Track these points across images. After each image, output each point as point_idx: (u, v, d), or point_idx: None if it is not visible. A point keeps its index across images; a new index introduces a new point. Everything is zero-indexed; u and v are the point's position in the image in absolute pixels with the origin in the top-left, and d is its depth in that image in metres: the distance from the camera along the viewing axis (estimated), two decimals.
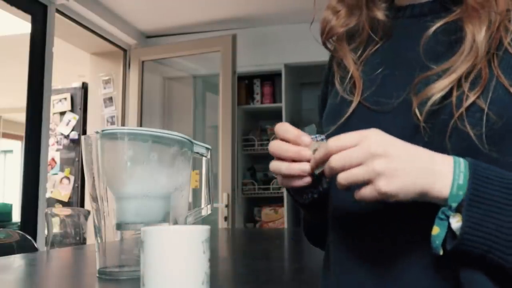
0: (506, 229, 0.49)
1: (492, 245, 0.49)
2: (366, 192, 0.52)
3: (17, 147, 6.92)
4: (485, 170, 0.51)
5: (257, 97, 3.76)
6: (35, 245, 1.51)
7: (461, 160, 0.52)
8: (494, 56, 0.58)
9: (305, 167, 0.58)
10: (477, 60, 0.57)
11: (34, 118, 2.59)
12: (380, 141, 0.52)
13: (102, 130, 0.76)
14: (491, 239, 0.49)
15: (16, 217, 4.07)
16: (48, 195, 3.43)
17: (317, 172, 0.57)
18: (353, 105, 0.67)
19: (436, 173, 0.51)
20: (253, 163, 3.94)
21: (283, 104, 3.43)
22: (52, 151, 3.67)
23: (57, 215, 3.13)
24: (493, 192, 0.50)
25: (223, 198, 2.96)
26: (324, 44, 0.78)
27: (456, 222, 0.51)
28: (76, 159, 3.68)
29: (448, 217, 0.51)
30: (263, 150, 3.73)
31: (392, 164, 0.51)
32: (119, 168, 0.77)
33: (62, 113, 3.77)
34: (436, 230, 0.52)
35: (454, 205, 0.50)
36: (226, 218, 2.95)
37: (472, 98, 0.56)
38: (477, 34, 0.58)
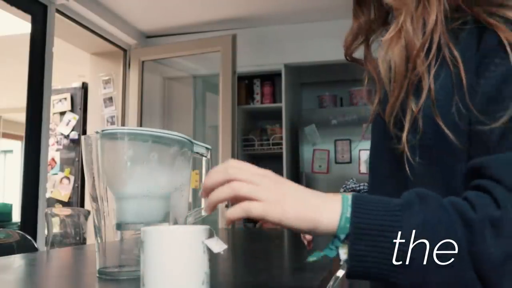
0: (389, 255, 0.51)
1: (381, 270, 0.51)
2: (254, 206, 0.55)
3: (17, 147, 6.92)
4: (367, 203, 0.53)
5: (257, 97, 3.77)
6: (35, 245, 1.51)
7: (349, 196, 0.55)
8: (430, 66, 0.64)
9: None
10: (402, 80, 0.65)
11: (34, 118, 2.59)
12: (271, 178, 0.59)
13: (102, 130, 0.76)
14: (377, 266, 0.51)
15: (16, 217, 4.06)
16: (48, 195, 3.43)
17: None
18: (371, 114, 0.76)
19: (323, 207, 0.54)
20: (253, 163, 3.93)
21: (283, 104, 3.43)
22: (52, 151, 3.67)
23: (57, 215, 3.13)
24: (375, 222, 0.51)
25: None
26: (349, 59, 0.86)
27: (344, 254, 0.53)
28: (76, 159, 3.68)
29: (337, 248, 0.54)
30: (263, 150, 3.73)
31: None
32: (119, 168, 0.77)
33: (62, 113, 3.77)
34: (313, 253, 0.56)
35: (342, 236, 0.53)
36: None
37: (408, 115, 0.64)
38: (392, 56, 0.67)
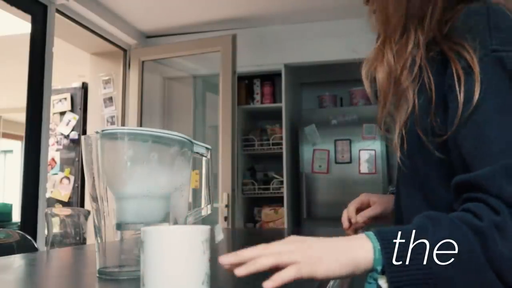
0: (420, 274, 0.59)
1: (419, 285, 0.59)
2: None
3: (17, 147, 6.92)
4: (388, 233, 0.61)
5: (257, 97, 3.77)
6: (35, 245, 1.51)
7: (370, 232, 0.62)
8: (414, 83, 0.76)
9: None
10: (388, 91, 0.78)
11: (34, 118, 2.59)
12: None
13: (102, 130, 0.77)
14: (414, 283, 0.59)
15: (16, 217, 4.06)
16: (48, 195, 3.43)
17: None
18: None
19: (352, 246, 0.61)
20: (253, 163, 3.94)
21: (283, 104, 3.43)
22: (52, 151, 3.67)
23: (57, 215, 3.12)
24: (401, 248, 0.59)
25: (223, 198, 2.96)
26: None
27: (384, 283, 0.60)
28: (76, 159, 3.68)
29: (376, 280, 0.60)
30: (263, 150, 3.73)
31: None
32: (119, 168, 0.77)
33: (62, 113, 3.76)
34: None
35: (379, 268, 0.60)
36: (226, 218, 2.95)
37: (397, 128, 0.77)
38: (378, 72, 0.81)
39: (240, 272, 0.59)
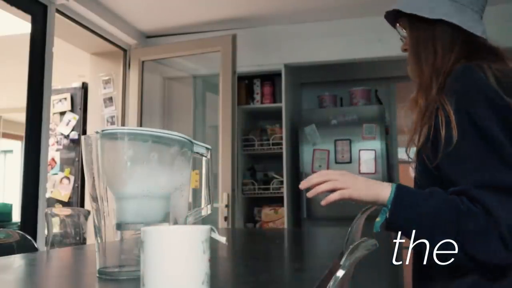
0: (413, 221, 0.96)
1: (408, 228, 0.95)
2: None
3: (17, 147, 6.91)
4: (405, 187, 0.99)
5: (257, 97, 3.77)
6: (35, 245, 1.51)
7: (394, 183, 0.99)
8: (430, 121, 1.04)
9: None
10: (417, 127, 1.08)
11: (34, 118, 2.59)
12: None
13: (102, 130, 0.77)
14: (409, 221, 0.96)
15: (16, 217, 4.06)
16: (48, 195, 3.43)
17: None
18: None
19: (380, 187, 1.00)
20: (253, 163, 3.94)
21: (283, 104, 3.43)
22: (52, 151, 3.67)
23: (57, 215, 3.12)
24: (408, 199, 0.97)
25: (223, 198, 2.96)
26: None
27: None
28: (76, 159, 3.68)
29: (386, 212, 0.98)
30: (263, 150, 3.73)
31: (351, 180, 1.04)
32: (119, 168, 0.77)
33: (62, 113, 3.76)
34: (377, 219, 0.99)
35: (390, 206, 0.97)
36: (226, 218, 2.95)
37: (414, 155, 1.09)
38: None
39: (309, 195, 1.03)
